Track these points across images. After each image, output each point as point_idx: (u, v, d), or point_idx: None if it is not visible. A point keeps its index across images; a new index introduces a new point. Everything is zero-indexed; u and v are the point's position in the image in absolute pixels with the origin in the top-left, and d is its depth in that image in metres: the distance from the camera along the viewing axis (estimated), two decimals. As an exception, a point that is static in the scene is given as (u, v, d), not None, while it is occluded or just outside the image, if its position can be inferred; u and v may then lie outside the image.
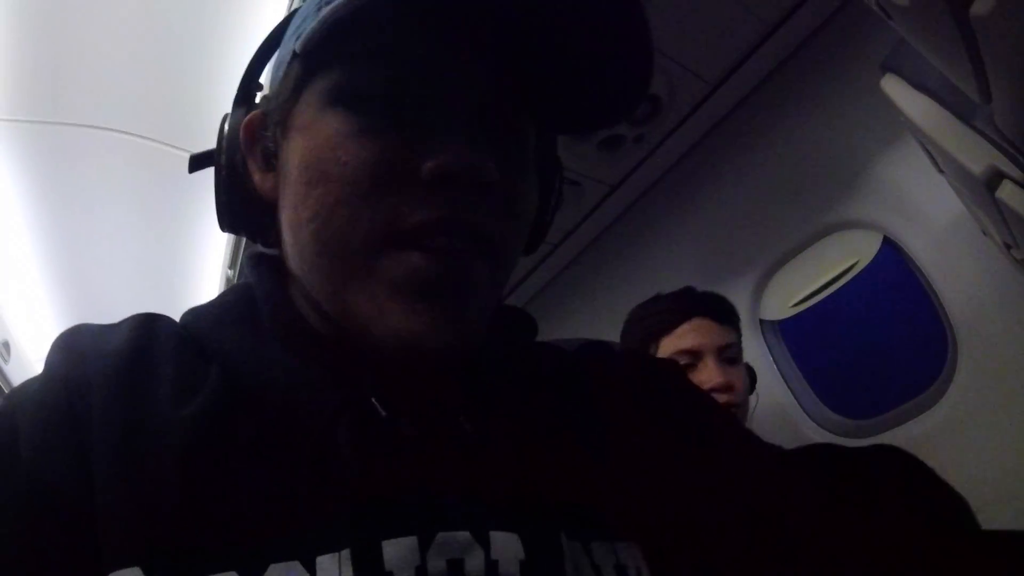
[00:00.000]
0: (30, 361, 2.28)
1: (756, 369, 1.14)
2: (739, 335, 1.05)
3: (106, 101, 1.44)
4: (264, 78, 0.42)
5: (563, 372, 0.42)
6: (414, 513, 0.29)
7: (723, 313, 1.03)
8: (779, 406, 1.35)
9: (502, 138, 0.34)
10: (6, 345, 2.16)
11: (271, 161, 0.36)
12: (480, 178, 0.30)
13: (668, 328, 1.01)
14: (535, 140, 0.37)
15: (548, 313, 1.91)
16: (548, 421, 0.37)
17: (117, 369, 0.31)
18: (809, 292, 1.40)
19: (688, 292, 1.07)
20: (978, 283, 1.05)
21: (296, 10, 0.38)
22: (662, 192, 1.51)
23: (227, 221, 0.40)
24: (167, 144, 1.56)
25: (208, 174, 0.40)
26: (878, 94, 0.77)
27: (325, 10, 0.29)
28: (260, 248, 0.41)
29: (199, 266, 1.99)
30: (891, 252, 1.22)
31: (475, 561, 0.28)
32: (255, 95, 0.41)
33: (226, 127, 0.39)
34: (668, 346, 1.00)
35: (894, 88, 0.73)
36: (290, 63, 0.35)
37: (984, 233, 0.95)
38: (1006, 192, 0.57)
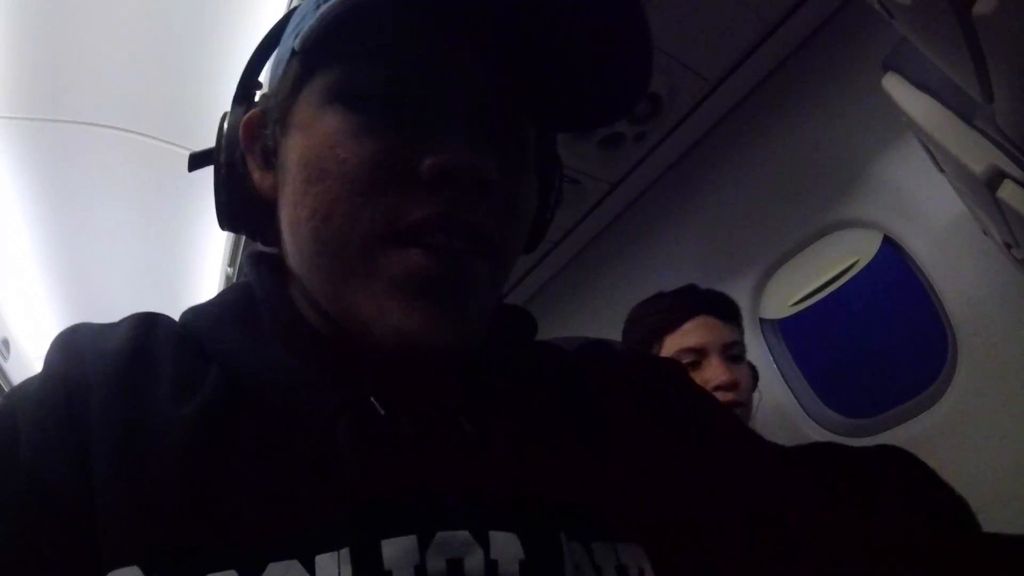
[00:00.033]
0: (30, 359, 2.29)
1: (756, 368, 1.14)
2: (743, 333, 1.04)
3: (106, 99, 1.44)
4: (263, 77, 0.42)
5: (563, 372, 0.42)
6: (413, 512, 0.29)
7: (727, 311, 1.03)
8: (779, 405, 1.35)
9: (502, 138, 0.34)
10: (5, 343, 2.16)
11: (270, 159, 0.36)
12: (480, 177, 0.30)
13: (672, 326, 1.00)
14: (535, 139, 0.37)
15: (548, 312, 1.91)
16: (548, 421, 0.37)
17: (117, 368, 0.31)
18: (809, 291, 1.40)
19: (692, 289, 1.06)
20: (978, 283, 1.05)
21: (295, 8, 0.38)
22: (662, 191, 1.51)
23: (227, 220, 0.39)
24: (167, 142, 1.56)
25: (208, 171, 0.40)
26: (879, 93, 0.77)
27: (324, 8, 0.29)
28: (260, 247, 0.41)
29: (199, 264, 1.99)
30: (891, 251, 1.22)
31: (475, 561, 0.28)
32: (254, 94, 0.41)
33: (225, 126, 0.39)
34: (672, 344, 0.99)
35: (895, 87, 0.73)
36: (289, 61, 0.35)
37: (985, 233, 0.95)
38: (1007, 192, 0.57)
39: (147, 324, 0.35)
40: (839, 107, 1.18)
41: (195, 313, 0.37)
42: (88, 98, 1.43)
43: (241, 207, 0.38)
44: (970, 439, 1.06)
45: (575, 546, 0.31)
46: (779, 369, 1.39)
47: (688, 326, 0.99)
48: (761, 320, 1.44)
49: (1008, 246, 0.79)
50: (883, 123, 1.10)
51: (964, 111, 0.61)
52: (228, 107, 0.40)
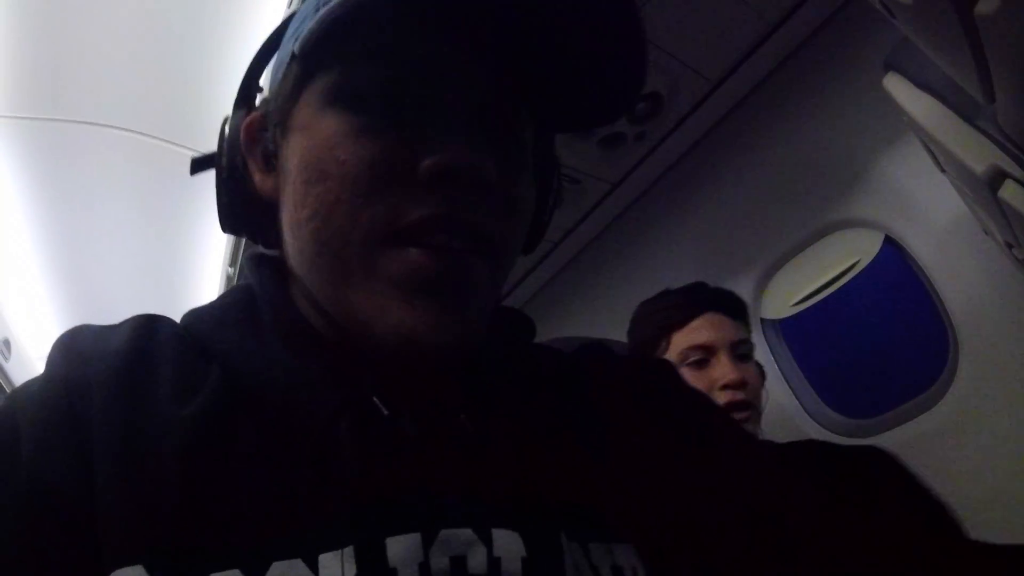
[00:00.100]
0: (30, 359, 2.29)
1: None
2: (750, 331, 1.02)
3: (106, 98, 1.44)
4: (264, 80, 0.42)
5: (562, 373, 0.42)
6: (416, 511, 0.29)
7: (736, 308, 1.01)
8: (780, 405, 1.35)
9: (502, 138, 0.34)
10: (6, 343, 2.16)
11: (271, 162, 0.36)
12: (480, 177, 0.31)
13: (680, 323, 0.98)
14: (533, 139, 0.37)
15: (548, 312, 1.91)
16: (548, 421, 0.37)
17: (118, 370, 0.31)
18: (810, 291, 1.40)
19: (700, 287, 1.04)
20: (979, 283, 1.05)
21: (295, 12, 0.38)
22: (663, 191, 1.51)
23: (228, 222, 0.40)
24: (168, 141, 1.56)
25: (209, 172, 0.40)
26: (879, 93, 0.77)
27: (323, 10, 0.29)
28: (260, 249, 0.41)
29: (199, 263, 1.99)
30: (892, 251, 1.22)
31: (478, 558, 0.28)
32: (255, 97, 0.41)
33: (226, 129, 0.39)
34: (680, 341, 0.97)
35: (896, 86, 0.73)
36: (289, 64, 0.35)
37: (986, 232, 0.95)
38: (1008, 192, 0.57)
39: (148, 326, 0.35)
40: (840, 107, 1.18)
41: (196, 315, 0.37)
42: (88, 97, 1.43)
43: (242, 209, 0.39)
44: (970, 439, 1.06)
45: (573, 546, 0.31)
46: (780, 369, 1.39)
47: (696, 323, 0.97)
48: (762, 320, 1.44)
49: (1009, 246, 0.79)
50: (884, 123, 1.10)
51: (965, 111, 0.61)
52: (228, 107, 0.40)
